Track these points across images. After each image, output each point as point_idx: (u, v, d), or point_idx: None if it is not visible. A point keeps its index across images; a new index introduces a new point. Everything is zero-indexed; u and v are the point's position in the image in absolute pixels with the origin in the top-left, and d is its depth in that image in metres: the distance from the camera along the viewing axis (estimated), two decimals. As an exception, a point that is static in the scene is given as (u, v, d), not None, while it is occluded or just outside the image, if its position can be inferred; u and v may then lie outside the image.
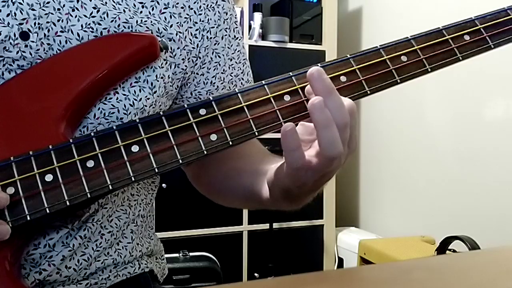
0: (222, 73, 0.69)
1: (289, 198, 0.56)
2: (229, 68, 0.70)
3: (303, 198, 0.57)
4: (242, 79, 0.72)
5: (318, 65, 0.56)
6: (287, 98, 0.54)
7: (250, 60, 0.76)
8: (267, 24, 2.23)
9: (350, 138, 0.52)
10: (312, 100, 0.50)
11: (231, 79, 0.70)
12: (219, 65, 0.68)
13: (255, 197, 0.62)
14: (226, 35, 0.69)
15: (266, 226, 2.17)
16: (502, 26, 0.61)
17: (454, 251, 1.61)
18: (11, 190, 0.48)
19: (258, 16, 2.21)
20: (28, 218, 0.48)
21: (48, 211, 0.48)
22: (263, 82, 0.55)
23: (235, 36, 0.71)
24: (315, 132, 0.50)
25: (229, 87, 0.70)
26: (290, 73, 0.55)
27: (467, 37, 0.59)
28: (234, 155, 0.68)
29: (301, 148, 0.50)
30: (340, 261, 2.30)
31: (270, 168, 0.57)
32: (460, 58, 0.59)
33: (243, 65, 0.72)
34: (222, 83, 0.69)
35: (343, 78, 0.55)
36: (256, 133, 0.53)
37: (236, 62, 0.71)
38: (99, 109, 0.56)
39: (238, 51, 0.71)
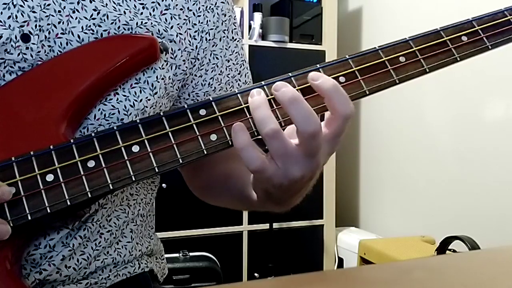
0: (219, 74, 0.69)
1: (273, 200, 0.56)
2: (226, 69, 0.70)
3: (288, 200, 0.57)
4: (239, 80, 0.72)
5: (317, 66, 0.56)
6: None
7: (250, 60, 0.76)
8: (267, 24, 2.23)
9: (331, 147, 0.52)
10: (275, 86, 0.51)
11: (228, 80, 0.70)
12: (217, 66, 0.69)
13: (245, 199, 0.62)
14: (224, 36, 0.69)
15: (266, 226, 2.17)
16: (499, 27, 0.61)
17: (454, 251, 1.61)
18: (11, 189, 0.48)
19: (258, 16, 2.21)
20: (29, 218, 0.48)
21: (49, 210, 0.48)
22: (263, 82, 0.55)
23: (233, 38, 0.71)
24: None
25: (226, 88, 0.70)
26: (290, 73, 0.55)
27: (464, 38, 0.60)
28: (227, 157, 0.68)
29: (252, 147, 0.50)
30: (340, 261, 2.30)
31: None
32: (458, 58, 0.59)
33: (241, 67, 0.72)
34: (219, 84, 0.69)
35: (342, 79, 0.55)
36: (256, 133, 0.53)
37: (233, 64, 0.71)
38: (99, 110, 0.56)
39: (236, 52, 0.71)
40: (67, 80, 0.54)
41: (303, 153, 0.50)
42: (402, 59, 0.57)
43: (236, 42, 0.72)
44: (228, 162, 0.69)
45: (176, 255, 1.82)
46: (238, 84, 0.72)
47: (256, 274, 2.17)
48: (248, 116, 0.53)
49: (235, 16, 0.72)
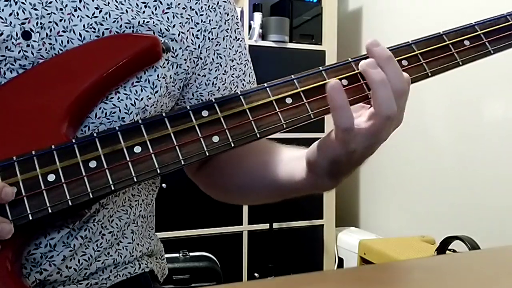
0: (223, 74, 0.69)
1: (335, 171, 0.56)
2: (230, 69, 0.70)
3: (349, 170, 0.57)
4: (244, 80, 0.72)
5: (320, 68, 0.56)
6: (289, 100, 0.54)
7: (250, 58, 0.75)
8: (267, 24, 2.23)
9: (400, 115, 0.54)
10: (366, 61, 0.53)
11: (233, 80, 0.70)
12: (221, 66, 0.68)
13: (284, 184, 0.62)
14: (227, 36, 0.69)
15: (266, 226, 2.17)
16: (501, 32, 0.61)
17: (454, 251, 1.61)
18: (13, 189, 0.48)
19: (258, 16, 2.21)
20: (30, 218, 0.48)
21: (50, 210, 0.48)
22: (265, 84, 0.55)
23: (236, 37, 0.71)
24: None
25: (231, 88, 0.70)
26: (292, 76, 0.55)
27: (467, 42, 0.60)
28: (251, 152, 0.68)
29: (349, 105, 0.51)
30: (340, 261, 2.30)
31: (310, 148, 0.57)
32: (460, 63, 0.59)
33: (245, 66, 0.72)
34: (223, 84, 0.69)
35: (344, 82, 0.55)
36: (258, 135, 0.53)
37: (237, 63, 0.71)
38: (100, 108, 0.56)
39: (240, 52, 0.71)
40: (69, 79, 0.54)
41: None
42: (404, 62, 0.57)
43: (240, 41, 0.72)
44: (253, 157, 0.69)
45: (176, 255, 1.82)
46: (243, 84, 0.72)
47: (256, 274, 2.17)
48: (251, 118, 0.53)
49: (237, 16, 0.72)
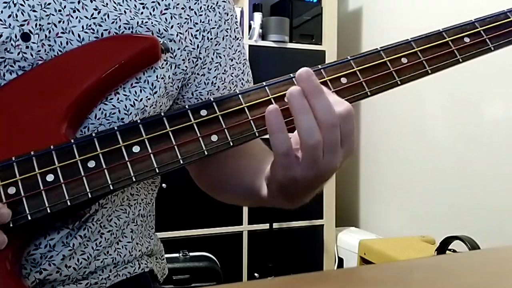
0: (223, 73, 0.69)
1: (286, 195, 0.56)
2: (230, 68, 0.70)
3: (300, 196, 0.57)
4: (243, 79, 0.72)
5: (319, 67, 0.56)
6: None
7: (250, 60, 0.76)
8: (267, 24, 2.23)
9: (346, 141, 0.51)
10: (290, 88, 0.51)
11: (232, 79, 0.70)
12: (220, 65, 0.69)
13: (255, 195, 0.62)
14: (227, 35, 0.69)
15: (266, 226, 2.17)
16: (502, 29, 0.61)
17: (454, 251, 1.61)
18: (12, 189, 0.48)
19: (258, 16, 2.21)
20: (29, 218, 0.48)
21: (49, 210, 0.48)
22: (264, 83, 0.55)
23: (235, 37, 0.71)
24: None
25: (230, 87, 0.70)
26: (291, 74, 0.55)
27: (467, 39, 0.59)
28: (237, 154, 0.68)
29: (285, 131, 0.50)
30: (340, 261, 2.30)
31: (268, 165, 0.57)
32: (460, 60, 0.59)
33: (243, 65, 0.73)
34: (223, 83, 0.69)
35: (343, 80, 0.55)
36: (257, 134, 0.53)
37: (236, 63, 0.71)
38: (100, 109, 0.56)
39: (239, 51, 0.72)
40: (69, 80, 0.54)
41: (327, 148, 0.50)
42: (404, 60, 0.57)
43: (238, 41, 0.72)
44: (237, 158, 0.69)
45: (176, 255, 1.82)
46: (242, 83, 0.72)
47: (256, 274, 2.17)
48: (249, 117, 0.53)
49: (236, 16, 0.73)
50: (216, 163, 0.71)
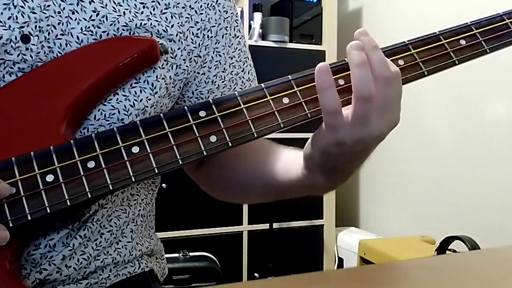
0: (223, 71, 0.69)
1: (326, 168, 0.56)
2: (229, 66, 0.70)
3: (341, 169, 0.56)
4: (243, 77, 0.72)
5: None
6: (285, 100, 0.55)
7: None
8: (267, 24, 2.23)
9: (393, 107, 0.52)
10: (350, 43, 0.52)
11: (232, 77, 0.70)
12: (220, 63, 0.69)
13: (281, 183, 0.62)
14: (226, 33, 0.69)
15: (266, 226, 2.17)
16: (497, 31, 0.62)
17: (454, 251, 1.61)
18: (12, 190, 0.48)
19: (258, 16, 2.21)
20: (29, 218, 0.48)
21: (48, 210, 0.48)
22: (263, 85, 0.55)
23: (235, 35, 0.71)
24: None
25: (230, 86, 0.70)
26: (289, 76, 0.56)
27: (463, 42, 0.60)
28: (251, 151, 0.68)
29: (335, 88, 0.51)
30: (340, 261, 2.30)
31: (306, 143, 0.57)
32: (456, 62, 0.59)
33: (244, 64, 0.72)
34: (223, 82, 0.69)
35: (341, 81, 0.55)
36: (255, 134, 0.54)
37: (236, 61, 0.71)
38: (99, 110, 0.56)
39: (239, 49, 0.71)
40: (68, 81, 0.54)
41: (378, 108, 0.51)
42: (400, 62, 0.57)
43: (239, 39, 0.72)
44: (252, 156, 0.69)
45: (176, 255, 1.82)
46: (242, 82, 0.72)
47: (256, 274, 2.17)
48: (248, 117, 0.53)
49: (237, 14, 0.72)
50: (231, 164, 0.70)
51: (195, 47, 0.65)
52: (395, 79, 0.52)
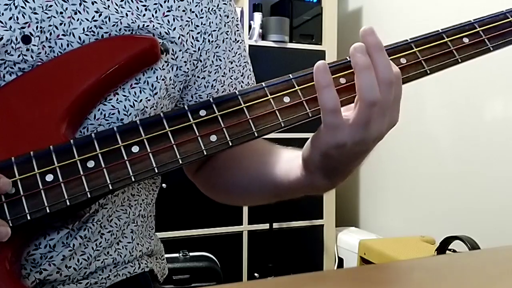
0: (222, 76, 0.69)
1: (326, 169, 0.55)
2: (229, 71, 0.70)
3: (341, 169, 0.56)
4: (242, 82, 0.72)
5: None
6: (286, 99, 0.54)
7: (250, 60, 0.75)
8: (267, 24, 2.23)
9: (393, 107, 0.53)
10: (354, 45, 0.52)
11: (231, 82, 0.70)
12: (220, 68, 0.68)
13: (281, 184, 0.62)
14: (227, 38, 0.69)
15: (266, 226, 2.17)
16: (501, 29, 0.61)
17: (454, 251, 1.61)
18: (11, 189, 0.48)
19: (258, 16, 2.21)
20: (29, 218, 0.48)
21: (48, 210, 0.48)
22: (263, 84, 0.55)
23: (236, 39, 0.71)
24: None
25: (229, 90, 0.70)
26: (290, 75, 0.55)
27: (466, 40, 0.59)
28: (252, 152, 0.68)
29: (333, 87, 0.51)
30: (340, 261, 2.30)
31: (305, 144, 0.57)
32: (459, 60, 0.59)
33: (243, 68, 0.72)
34: (222, 86, 0.69)
35: (342, 80, 0.55)
36: (256, 134, 0.53)
37: (236, 65, 0.71)
38: (99, 110, 0.56)
39: (239, 54, 0.71)
40: (68, 80, 0.54)
41: (379, 111, 0.51)
42: (403, 60, 0.57)
43: (239, 43, 0.71)
44: (251, 157, 0.69)
45: (176, 255, 1.82)
46: (241, 86, 0.71)
47: (256, 274, 2.17)
48: (248, 117, 0.53)
49: (237, 18, 0.72)
50: (232, 165, 0.70)
51: (195, 51, 0.65)
52: (397, 82, 0.52)
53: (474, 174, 1.83)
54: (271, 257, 2.17)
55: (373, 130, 0.51)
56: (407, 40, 0.58)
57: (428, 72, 0.58)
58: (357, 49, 0.52)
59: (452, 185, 1.93)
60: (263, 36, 2.22)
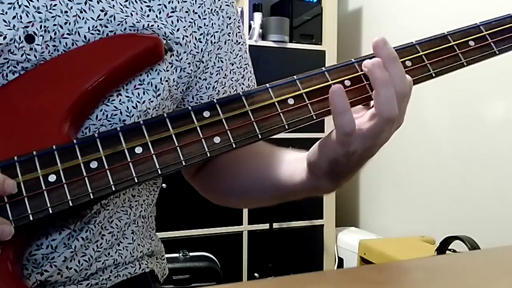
0: (223, 77, 0.69)
1: (334, 174, 0.56)
2: (230, 72, 0.70)
3: (347, 172, 0.57)
4: (242, 83, 0.72)
5: (323, 69, 0.56)
6: (291, 101, 0.54)
7: (251, 61, 0.75)
8: (267, 24, 2.23)
9: (400, 118, 0.54)
10: (371, 60, 0.52)
11: (232, 83, 0.70)
12: (221, 69, 0.68)
13: (284, 186, 0.62)
14: (229, 39, 0.69)
15: (266, 226, 2.17)
16: (507, 32, 0.61)
17: (454, 251, 1.61)
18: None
19: (258, 16, 2.21)
20: (31, 218, 0.48)
21: (51, 211, 0.48)
22: (267, 85, 0.55)
23: (237, 41, 0.71)
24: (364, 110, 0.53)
25: (230, 92, 0.70)
26: (295, 76, 0.55)
27: (472, 43, 0.59)
28: (252, 154, 0.68)
29: (350, 110, 0.51)
30: (340, 261, 2.30)
31: (311, 148, 0.57)
32: (465, 63, 0.59)
33: (244, 70, 0.72)
34: (223, 88, 0.69)
35: (347, 82, 0.55)
36: (260, 136, 0.53)
37: (237, 67, 0.71)
38: (101, 110, 0.56)
39: (240, 56, 0.71)
40: (71, 79, 0.54)
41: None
42: (408, 63, 0.57)
43: (240, 45, 0.71)
44: (253, 159, 0.69)
45: (176, 255, 1.82)
46: (242, 88, 0.71)
47: (256, 274, 2.17)
48: (252, 119, 0.53)
49: (239, 20, 0.72)
50: (233, 166, 0.70)
51: (197, 52, 0.65)
52: (410, 92, 0.53)
53: (474, 174, 1.84)
54: (271, 257, 2.17)
55: (383, 138, 0.53)
56: (412, 43, 0.58)
57: (434, 75, 0.57)
58: (375, 64, 0.52)
59: (452, 185, 1.93)
60: (263, 36, 2.22)
